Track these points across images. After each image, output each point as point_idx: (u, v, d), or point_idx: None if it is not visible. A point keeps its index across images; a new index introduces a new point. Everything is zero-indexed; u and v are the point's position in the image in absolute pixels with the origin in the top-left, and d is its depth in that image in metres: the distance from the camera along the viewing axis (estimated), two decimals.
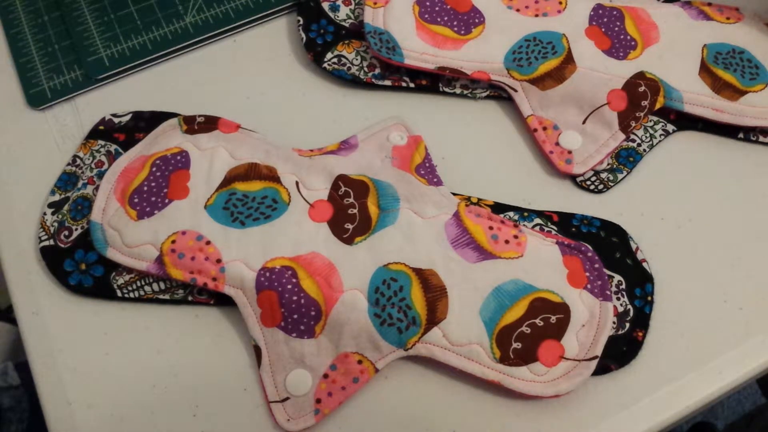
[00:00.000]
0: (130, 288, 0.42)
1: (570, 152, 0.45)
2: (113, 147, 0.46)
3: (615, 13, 0.49)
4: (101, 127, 0.47)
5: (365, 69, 0.49)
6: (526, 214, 0.43)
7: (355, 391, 0.38)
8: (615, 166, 0.45)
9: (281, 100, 0.49)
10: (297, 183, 0.43)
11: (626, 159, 0.45)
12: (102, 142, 0.46)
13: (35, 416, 0.66)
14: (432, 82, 0.49)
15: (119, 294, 0.42)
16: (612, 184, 0.45)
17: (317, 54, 0.49)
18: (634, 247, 0.42)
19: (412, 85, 0.48)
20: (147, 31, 0.52)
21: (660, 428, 0.39)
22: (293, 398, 0.39)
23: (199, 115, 0.46)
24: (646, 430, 0.38)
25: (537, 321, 0.38)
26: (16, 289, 0.43)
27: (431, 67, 0.47)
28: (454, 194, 0.44)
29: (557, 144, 0.45)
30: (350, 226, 0.41)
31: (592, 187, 0.45)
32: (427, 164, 0.45)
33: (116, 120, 0.47)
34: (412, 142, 0.45)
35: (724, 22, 0.49)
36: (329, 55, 0.49)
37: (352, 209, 0.41)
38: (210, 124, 0.45)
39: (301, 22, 0.50)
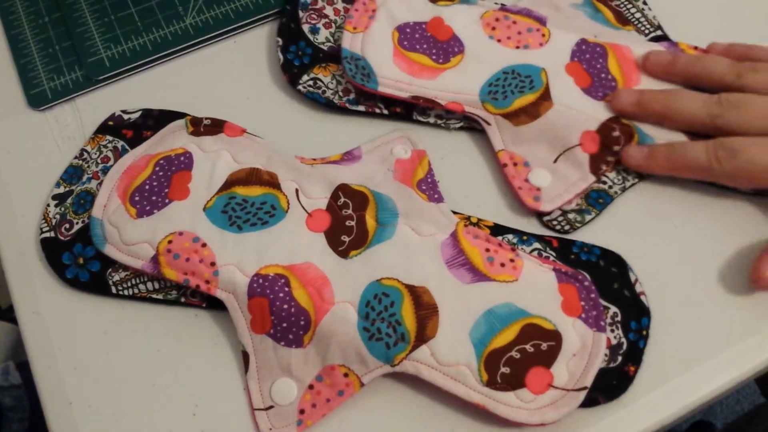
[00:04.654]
0: (124, 285, 0.42)
1: (539, 189, 0.44)
2: (120, 143, 0.46)
3: (598, 49, 0.47)
4: (110, 123, 0.47)
5: (340, 93, 0.48)
6: (525, 237, 0.42)
7: (339, 404, 0.38)
8: (584, 206, 0.44)
9: (281, 101, 0.49)
10: (297, 190, 0.42)
11: (596, 200, 0.44)
12: (110, 137, 0.47)
13: (36, 415, 0.67)
14: (406, 110, 0.48)
15: (114, 290, 0.42)
16: (579, 225, 0.44)
17: (293, 75, 0.48)
18: (633, 278, 0.41)
19: (386, 112, 0.48)
20: (147, 32, 0.52)
21: (659, 427, 0.39)
22: (277, 407, 0.38)
23: (206, 118, 0.46)
24: (646, 429, 0.38)
25: (527, 347, 0.38)
26: (17, 290, 0.43)
27: (405, 95, 0.46)
28: (455, 212, 0.43)
29: (526, 180, 0.44)
30: (346, 239, 0.41)
31: (558, 227, 0.44)
32: (429, 180, 0.44)
33: (126, 116, 0.48)
34: (415, 156, 0.45)
35: None
36: (305, 78, 0.48)
37: (349, 221, 0.41)
38: (216, 127, 0.46)
39: (280, 43, 0.49)
